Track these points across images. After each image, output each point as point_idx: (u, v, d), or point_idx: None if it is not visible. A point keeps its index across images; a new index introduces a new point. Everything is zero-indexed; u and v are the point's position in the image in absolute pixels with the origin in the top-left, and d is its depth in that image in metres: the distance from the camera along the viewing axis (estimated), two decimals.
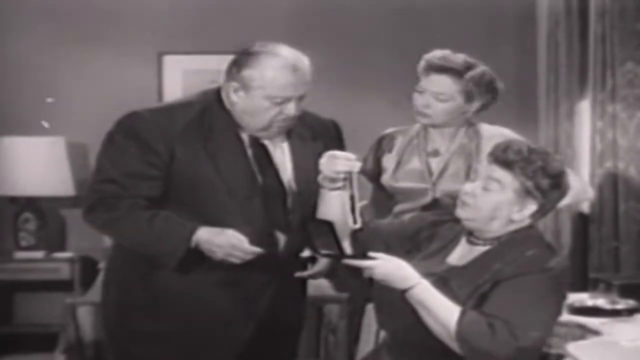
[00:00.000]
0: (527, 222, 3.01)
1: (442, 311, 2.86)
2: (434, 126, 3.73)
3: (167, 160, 3.06)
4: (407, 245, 3.18)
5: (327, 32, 5.97)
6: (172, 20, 6.00)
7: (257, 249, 3.04)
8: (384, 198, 3.90)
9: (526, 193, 2.95)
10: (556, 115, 5.49)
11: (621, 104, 4.98)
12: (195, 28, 5.99)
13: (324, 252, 3.00)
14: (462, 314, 2.83)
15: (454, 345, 2.84)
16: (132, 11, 6.00)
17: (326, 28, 5.99)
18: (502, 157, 2.96)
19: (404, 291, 2.90)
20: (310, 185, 3.17)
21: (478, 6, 6.04)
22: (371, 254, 2.95)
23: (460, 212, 3.01)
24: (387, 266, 2.91)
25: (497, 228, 2.99)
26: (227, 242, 3.02)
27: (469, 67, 3.67)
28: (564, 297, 2.97)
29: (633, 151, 4.96)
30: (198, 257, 3.06)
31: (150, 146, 3.06)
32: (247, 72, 3.08)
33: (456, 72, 3.66)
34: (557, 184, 2.97)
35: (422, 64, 3.72)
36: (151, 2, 6.02)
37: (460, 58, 3.69)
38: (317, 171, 3.17)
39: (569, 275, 2.99)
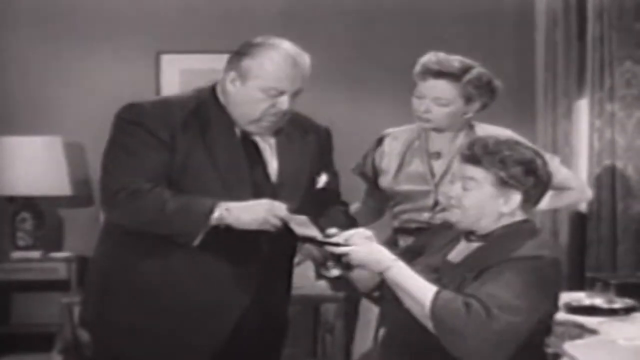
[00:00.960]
0: (519, 215, 3.02)
1: (417, 290, 2.87)
2: (436, 130, 3.72)
3: (171, 148, 3.07)
4: (416, 249, 3.20)
5: (326, 32, 5.97)
6: (169, 19, 6.00)
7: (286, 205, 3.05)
8: (377, 200, 3.90)
9: (503, 184, 2.97)
10: (554, 114, 5.49)
11: (619, 103, 4.98)
12: (192, 27, 5.99)
13: (301, 234, 3.01)
14: (437, 293, 2.84)
15: (430, 325, 2.83)
16: (129, 10, 6.00)
17: (325, 28, 5.99)
18: (470, 154, 3.00)
19: (380, 274, 2.92)
20: (295, 183, 3.19)
21: (477, 6, 6.04)
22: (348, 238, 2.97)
23: (450, 216, 3.05)
24: (363, 251, 2.94)
25: (489, 224, 3.00)
26: (261, 208, 3.01)
27: (465, 70, 3.66)
28: (553, 291, 2.96)
29: (631, 150, 4.96)
30: (184, 253, 3.06)
31: (155, 134, 3.06)
32: (246, 62, 3.09)
33: (454, 76, 3.65)
34: (530, 170, 2.99)
35: (418, 68, 3.70)
36: (149, 2, 6.02)
37: (456, 61, 3.67)
38: (302, 170, 3.20)
39: (560, 268, 2.98)
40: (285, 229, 3.02)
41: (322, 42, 5.82)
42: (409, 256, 3.12)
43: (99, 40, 5.97)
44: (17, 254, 5.83)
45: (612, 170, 4.98)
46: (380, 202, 3.90)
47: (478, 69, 3.68)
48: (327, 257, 3.08)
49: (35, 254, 5.82)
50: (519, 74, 5.96)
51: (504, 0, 6.07)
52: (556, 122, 5.46)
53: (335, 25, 6.03)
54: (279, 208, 3.02)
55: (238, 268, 3.12)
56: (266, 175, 3.17)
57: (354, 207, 3.90)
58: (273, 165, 3.19)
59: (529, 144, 3.48)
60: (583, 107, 5.36)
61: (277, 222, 3.01)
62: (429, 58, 3.69)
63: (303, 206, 3.15)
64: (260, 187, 3.14)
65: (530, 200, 3.02)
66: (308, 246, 3.14)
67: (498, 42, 6.01)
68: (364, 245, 2.96)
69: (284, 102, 3.10)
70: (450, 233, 3.13)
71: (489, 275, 2.87)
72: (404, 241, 3.67)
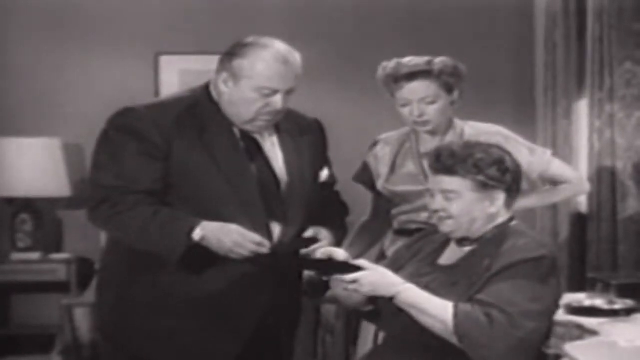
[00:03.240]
0: (506, 215, 3.02)
1: (434, 309, 2.86)
2: (432, 132, 3.74)
3: (165, 153, 3.07)
4: (406, 256, 3.19)
5: (325, 33, 5.96)
6: (168, 20, 5.99)
7: (264, 240, 3.05)
8: (384, 205, 3.91)
9: (484, 187, 2.97)
10: (554, 114, 5.48)
11: (619, 104, 4.97)
12: (191, 28, 5.98)
13: (308, 263, 3.02)
14: (456, 308, 2.84)
15: (454, 340, 2.83)
16: (128, 12, 5.99)
17: (324, 29, 5.98)
18: (439, 165, 2.99)
19: (391, 298, 2.90)
20: (301, 178, 3.21)
21: (476, 6, 6.03)
22: (353, 262, 2.95)
23: (443, 228, 3.04)
24: (371, 278, 2.92)
25: (481, 226, 3.01)
26: (229, 239, 3.02)
27: (430, 63, 3.69)
28: (558, 289, 2.97)
29: (631, 150, 4.95)
30: (200, 254, 3.05)
31: (148, 140, 3.07)
32: (237, 62, 3.10)
33: (425, 73, 3.69)
34: (505, 168, 2.99)
35: (385, 79, 3.74)
36: (148, 3, 6.02)
37: (419, 59, 3.71)
38: (306, 165, 3.23)
39: (558, 264, 2.99)
40: (297, 259, 3.05)
41: (320, 42, 5.82)
42: (398, 265, 3.12)
43: (98, 42, 5.96)
44: (16, 256, 5.82)
45: (612, 171, 4.97)
46: (387, 203, 3.91)
47: (442, 59, 3.72)
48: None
49: (35, 256, 5.81)
50: (518, 75, 5.97)
51: (503, 0, 6.06)
52: (556, 122, 5.46)
53: (334, 25, 6.02)
54: (251, 239, 3.03)
55: (256, 272, 3.12)
56: (271, 172, 3.17)
57: (364, 219, 3.94)
58: (279, 162, 3.20)
59: (520, 139, 3.51)
60: (583, 107, 5.35)
61: (245, 254, 3.02)
62: (391, 66, 3.73)
63: (308, 201, 3.17)
64: (266, 183, 3.14)
65: (513, 196, 3.03)
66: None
67: (497, 43, 6.01)
68: (372, 270, 2.94)
69: (277, 102, 3.10)
70: (438, 238, 3.13)
71: (501, 281, 2.86)
72: (403, 242, 3.67)
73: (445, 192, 2.99)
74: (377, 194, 3.91)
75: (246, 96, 3.10)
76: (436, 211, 3.02)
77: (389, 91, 3.75)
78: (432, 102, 3.69)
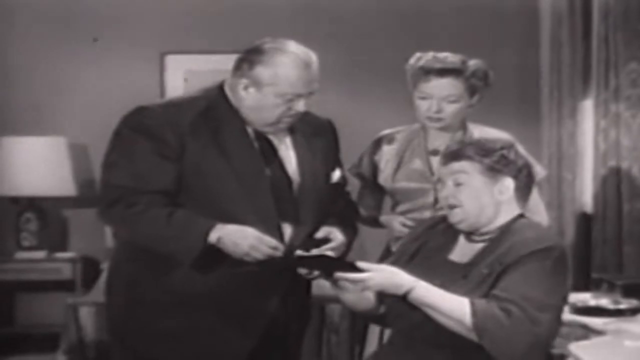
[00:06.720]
0: (516, 209, 3.02)
1: (450, 306, 2.86)
2: (443, 129, 3.74)
3: (179, 154, 3.07)
4: (410, 250, 3.19)
5: (329, 32, 5.96)
6: (174, 20, 5.99)
7: (279, 244, 3.05)
8: (373, 199, 3.91)
9: (491, 170, 3.00)
10: (559, 114, 5.48)
11: (625, 104, 4.97)
12: (197, 28, 5.98)
13: (312, 262, 3.01)
14: (473, 305, 2.84)
15: (472, 336, 2.83)
16: (134, 11, 5.99)
17: (328, 28, 5.98)
18: (450, 152, 3.05)
19: (403, 296, 2.90)
20: (314, 179, 3.21)
21: (481, 5, 6.03)
22: (361, 264, 2.93)
23: (452, 218, 3.05)
24: (380, 277, 2.91)
25: (490, 216, 3.00)
26: (246, 243, 3.02)
27: (465, 63, 3.69)
28: (567, 280, 2.98)
29: (636, 150, 4.95)
30: (213, 255, 3.05)
31: (161, 139, 3.06)
32: (258, 70, 3.09)
33: (457, 72, 3.67)
34: (512, 153, 3.03)
35: (416, 70, 3.72)
36: (153, 2, 6.02)
37: (452, 56, 3.71)
38: (319, 166, 3.23)
39: (568, 256, 3.01)
40: (296, 260, 3.05)
41: (327, 41, 5.81)
42: (405, 259, 3.12)
43: (103, 41, 5.96)
44: (21, 255, 5.83)
45: (617, 171, 4.97)
46: (377, 200, 3.92)
47: (475, 61, 3.72)
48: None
49: (40, 255, 5.82)
50: (523, 74, 5.96)
51: (508, 0, 6.06)
52: (561, 122, 5.46)
53: (340, 25, 6.02)
54: (267, 243, 3.04)
55: (267, 272, 3.11)
56: (284, 172, 3.18)
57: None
58: (292, 162, 3.20)
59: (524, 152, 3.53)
60: (588, 107, 5.35)
61: (260, 258, 3.03)
62: (427, 58, 3.72)
63: (320, 202, 3.17)
64: (279, 184, 3.15)
65: (522, 186, 3.03)
66: None
67: (503, 42, 6.00)
68: (380, 271, 2.93)
69: (300, 105, 3.12)
70: (442, 229, 3.13)
71: (515, 275, 2.87)
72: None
73: (455, 174, 3.00)
74: (372, 188, 3.90)
75: (269, 102, 3.10)
76: (446, 198, 3.03)
77: (412, 82, 3.73)
78: (454, 102, 3.69)
